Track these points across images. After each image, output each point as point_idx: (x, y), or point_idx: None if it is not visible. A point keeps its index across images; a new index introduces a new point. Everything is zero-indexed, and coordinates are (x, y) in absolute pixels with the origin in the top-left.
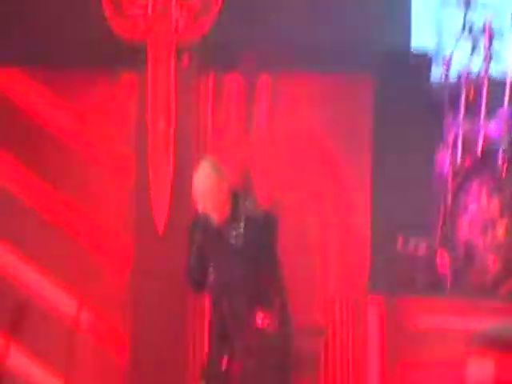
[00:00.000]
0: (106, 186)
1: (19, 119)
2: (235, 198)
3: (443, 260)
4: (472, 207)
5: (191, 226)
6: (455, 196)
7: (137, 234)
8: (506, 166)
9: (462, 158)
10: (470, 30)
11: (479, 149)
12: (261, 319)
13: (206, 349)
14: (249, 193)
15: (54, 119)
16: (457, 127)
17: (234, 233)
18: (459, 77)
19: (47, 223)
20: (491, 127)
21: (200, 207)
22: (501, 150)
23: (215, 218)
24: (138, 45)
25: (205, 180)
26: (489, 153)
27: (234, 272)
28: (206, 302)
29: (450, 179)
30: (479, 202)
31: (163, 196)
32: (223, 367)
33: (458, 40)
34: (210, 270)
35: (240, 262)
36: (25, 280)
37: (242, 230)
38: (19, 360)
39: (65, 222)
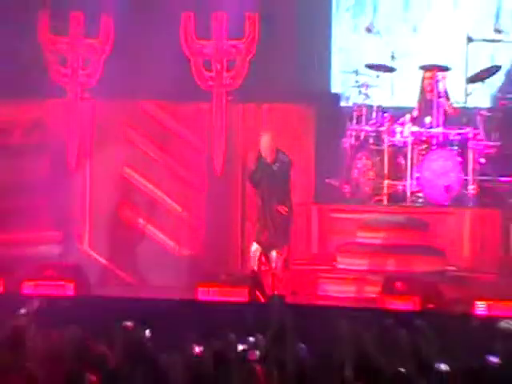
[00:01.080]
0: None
1: None
2: (277, 150)
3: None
4: (359, 163)
5: (256, 161)
6: (352, 158)
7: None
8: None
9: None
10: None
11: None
12: (282, 209)
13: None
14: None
15: None
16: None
17: (277, 165)
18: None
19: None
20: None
21: (263, 152)
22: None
23: (268, 158)
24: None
25: (267, 140)
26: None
27: (271, 183)
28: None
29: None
30: (361, 160)
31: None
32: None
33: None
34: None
35: (275, 179)
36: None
37: (278, 164)
38: None
39: None
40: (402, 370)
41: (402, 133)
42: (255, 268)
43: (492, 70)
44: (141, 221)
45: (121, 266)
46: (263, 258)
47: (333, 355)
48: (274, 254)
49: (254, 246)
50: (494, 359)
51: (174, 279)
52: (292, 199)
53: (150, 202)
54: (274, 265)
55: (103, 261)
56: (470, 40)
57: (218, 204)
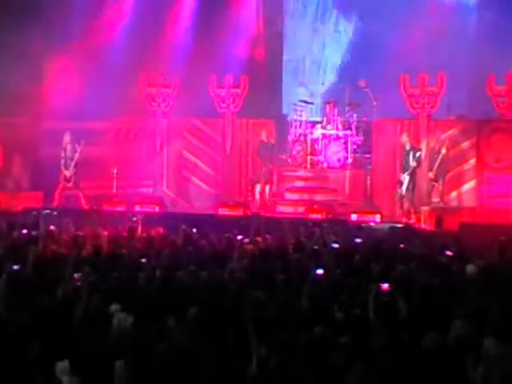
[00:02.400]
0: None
1: None
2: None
3: (289, 159)
4: (295, 148)
5: (258, 143)
6: (292, 145)
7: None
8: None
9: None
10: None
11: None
12: (269, 168)
13: None
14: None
15: None
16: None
17: (268, 145)
18: None
19: None
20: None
21: (263, 139)
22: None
23: (265, 141)
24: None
25: (264, 134)
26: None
27: (265, 155)
28: None
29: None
30: (296, 147)
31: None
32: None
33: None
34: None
35: (267, 153)
36: None
37: (269, 145)
38: None
39: None
40: (316, 247)
41: (316, 133)
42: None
43: (354, 104)
44: (190, 176)
45: (181, 197)
46: (249, 193)
47: (282, 240)
48: (266, 188)
49: (258, 186)
50: (358, 240)
51: (207, 204)
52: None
53: (195, 166)
54: (266, 194)
55: (172, 195)
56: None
57: (228, 168)
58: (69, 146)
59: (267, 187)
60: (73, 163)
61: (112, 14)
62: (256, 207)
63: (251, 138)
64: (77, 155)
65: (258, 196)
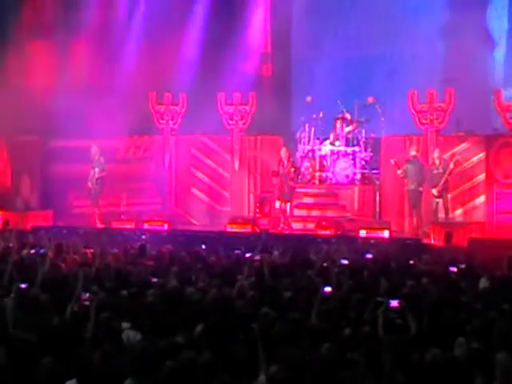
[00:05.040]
0: None
1: None
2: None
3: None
4: (304, 164)
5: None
6: (301, 161)
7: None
8: None
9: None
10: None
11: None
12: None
13: None
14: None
15: None
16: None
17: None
18: None
19: None
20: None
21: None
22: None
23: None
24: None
25: (284, 152)
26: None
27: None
28: None
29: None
30: (305, 163)
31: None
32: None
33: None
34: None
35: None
36: None
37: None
38: None
39: None
40: (325, 264)
41: (324, 149)
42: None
43: (363, 120)
44: (199, 193)
45: (189, 214)
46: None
47: (292, 257)
48: (287, 206)
49: (277, 203)
50: (369, 256)
51: (215, 221)
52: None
53: (203, 183)
54: (287, 212)
55: (181, 212)
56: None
57: (237, 184)
58: (96, 157)
59: (288, 205)
60: (95, 177)
61: (121, 34)
62: (271, 223)
63: (259, 155)
64: (98, 171)
65: (276, 212)
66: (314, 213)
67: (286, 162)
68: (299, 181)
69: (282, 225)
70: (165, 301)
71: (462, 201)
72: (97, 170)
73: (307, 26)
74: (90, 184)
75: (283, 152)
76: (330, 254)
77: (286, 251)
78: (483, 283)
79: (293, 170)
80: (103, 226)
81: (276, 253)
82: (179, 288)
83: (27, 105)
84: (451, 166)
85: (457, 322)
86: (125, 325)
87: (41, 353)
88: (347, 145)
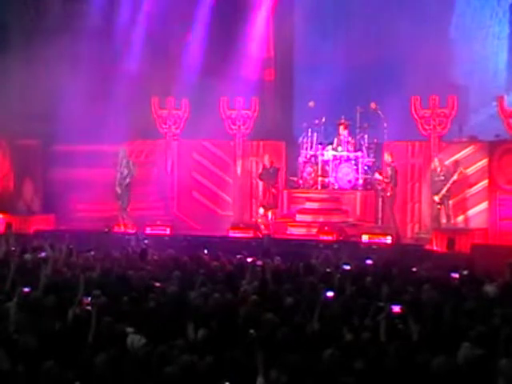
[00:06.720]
0: None
1: None
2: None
3: (300, 181)
4: (306, 169)
5: (262, 167)
6: (303, 167)
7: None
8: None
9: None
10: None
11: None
12: (274, 192)
13: None
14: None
15: None
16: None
17: (271, 170)
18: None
19: None
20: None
21: (266, 163)
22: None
23: (267, 166)
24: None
25: (267, 158)
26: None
27: (269, 178)
28: None
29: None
30: (307, 168)
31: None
32: None
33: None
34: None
35: (270, 176)
36: None
37: (272, 169)
38: None
39: None
40: (328, 269)
41: (327, 155)
42: (258, 220)
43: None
44: (201, 198)
45: (191, 219)
46: (262, 215)
47: (293, 262)
48: (269, 213)
49: (261, 209)
50: (369, 261)
51: (218, 226)
52: (278, 187)
53: (205, 188)
54: (269, 218)
55: (183, 217)
56: None
57: (239, 190)
58: (124, 161)
59: (270, 212)
60: (124, 182)
61: (123, 38)
62: (267, 229)
63: (262, 160)
64: (128, 175)
65: (270, 217)
66: (317, 218)
67: (268, 167)
68: (301, 185)
69: (263, 231)
70: (167, 305)
71: (465, 207)
72: (125, 173)
73: (309, 31)
74: (118, 189)
75: (266, 159)
76: (332, 259)
77: (288, 256)
78: (489, 289)
79: (276, 169)
80: (135, 230)
81: (278, 258)
82: (181, 293)
83: (30, 108)
84: (455, 177)
85: (459, 327)
86: (129, 329)
87: (43, 357)
88: (349, 150)
